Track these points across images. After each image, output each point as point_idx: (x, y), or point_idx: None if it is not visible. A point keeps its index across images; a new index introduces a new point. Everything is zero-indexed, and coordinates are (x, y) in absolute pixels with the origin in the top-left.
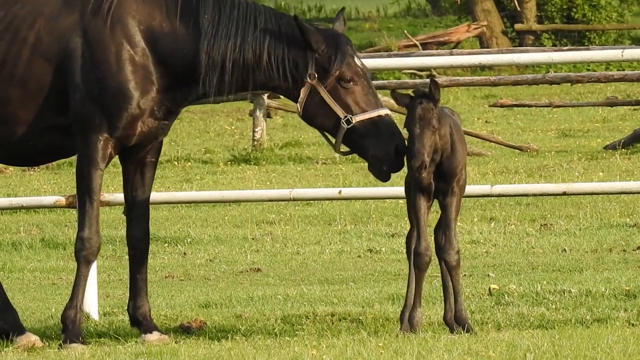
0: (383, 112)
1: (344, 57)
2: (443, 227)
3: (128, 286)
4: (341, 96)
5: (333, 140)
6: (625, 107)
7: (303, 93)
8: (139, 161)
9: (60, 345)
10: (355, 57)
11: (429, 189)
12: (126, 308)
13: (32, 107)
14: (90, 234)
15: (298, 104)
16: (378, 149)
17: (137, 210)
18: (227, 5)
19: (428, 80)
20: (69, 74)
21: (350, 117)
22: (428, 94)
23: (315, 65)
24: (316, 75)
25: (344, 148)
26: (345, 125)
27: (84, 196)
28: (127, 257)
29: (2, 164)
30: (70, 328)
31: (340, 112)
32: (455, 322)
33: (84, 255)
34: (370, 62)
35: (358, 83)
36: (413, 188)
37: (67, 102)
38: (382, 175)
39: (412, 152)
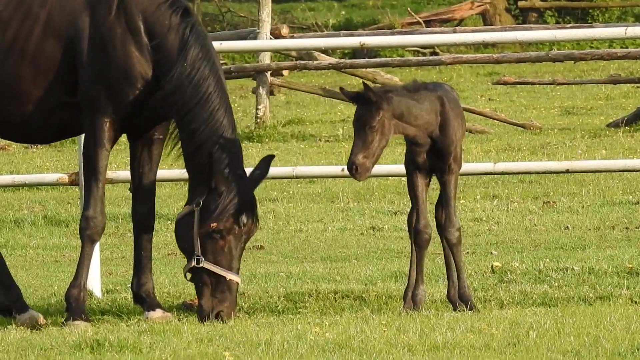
0: (233, 277)
1: (225, 215)
2: (443, 205)
3: (132, 263)
4: (206, 238)
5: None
6: (629, 84)
7: (184, 210)
8: (146, 138)
9: (63, 322)
10: (245, 216)
11: (425, 166)
12: (130, 285)
13: (43, 85)
14: (95, 213)
15: (178, 215)
16: (208, 302)
17: (143, 188)
18: (208, 76)
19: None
20: (78, 54)
21: (202, 259)
22: (364, 97)
23: (206, 197)
24: (201, 204)
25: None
26: (194, 262)
27: (90, 176)
28: (130, 234)
29: (15, 142)
30: (74, 306)
31: (197, 249)
32: (458, 299)
33: (88, 234)
34: (374, 40)
35: (226, 240)
36: (410, 166)
37: (76, 81)
38: (200, 320)
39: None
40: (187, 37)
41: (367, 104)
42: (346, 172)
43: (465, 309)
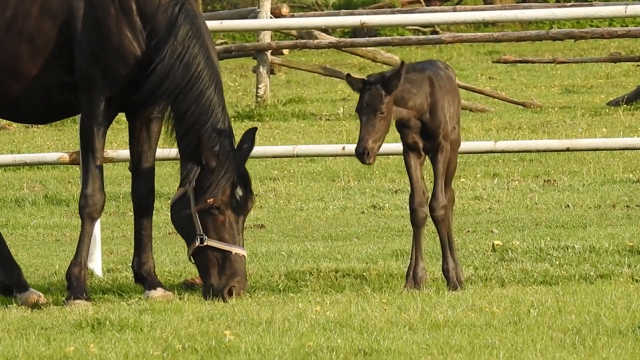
0: (238, 250)
1: (219, 189)
2: (433, 183)
3: (132, 242)
4: (206, 216)
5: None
6: (629, 63)
7: (178, 193)
8: (145, 117)
9: (64, 301)
10: (239, 188)
11: (415, 147)
12: (130, 264)
13: (41, 64)
14: (94, 191)
15: (170, 200)
16: (216, 280)
17: (142, 166)
18: (198, 54)
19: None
20: (74, 33)
21: (205, 238)
22: (381, 79)
23: (198, 175)
24: (194, 185)
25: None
26: (197, 242)
27: (88, 154)
28: (130, 213)
29: (14, 121)
30: (75, 285)
31: (198, 229)
32: (443, 274)
33: (87, 212)
34: (374, 19)
35: (225, 214)
36: (403, 146)
37: (73, 60)
38: (208, 298)
39: (358, 139)
40: (176, 16)
41: (377, 89)
42: (347, 150)
43: (449, 287)
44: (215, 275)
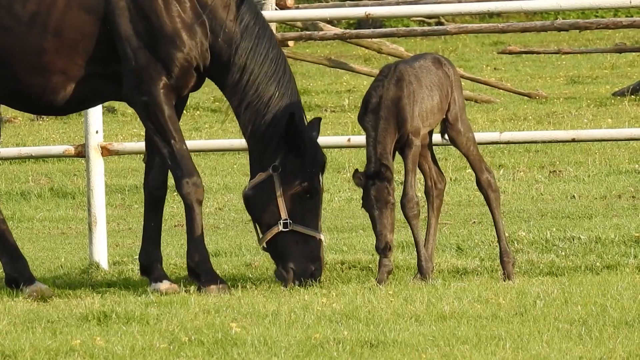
0: (321, 236)
1: (310, 174)
2: (404, 180)
3: (138, 235)
4: (292, 201)
5: (260, 234)
6: (634, 53)
7: (259, 178)
8: None
9: (199, 288)
10: (322, 174)
11: None
12: (137, 257)
13: (69, 57)
14: (191, 174)
15: (249, 184)
16: (298, 264)
17: (157, 158)
18: (271, 42)
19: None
20: (114, 27)
21: (290, 223)
22: (378, 174)
23: (282, 160)
24: (279, 169)
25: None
26: (280, 227)
27: (170, 142)
28: (137, 206)
29: (36, 113)
30: (206, 270)
31: (283, 214)
32: (419, 271)
33: (196, 197)
34: (379, 10)
35: (314, 200)
36: None
37: (105, 52)
38: (286, 284)
39: (375, 234)
40: (238, 7)
41: (381, 182)
42: (352, 142)
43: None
44: (297, 260)
